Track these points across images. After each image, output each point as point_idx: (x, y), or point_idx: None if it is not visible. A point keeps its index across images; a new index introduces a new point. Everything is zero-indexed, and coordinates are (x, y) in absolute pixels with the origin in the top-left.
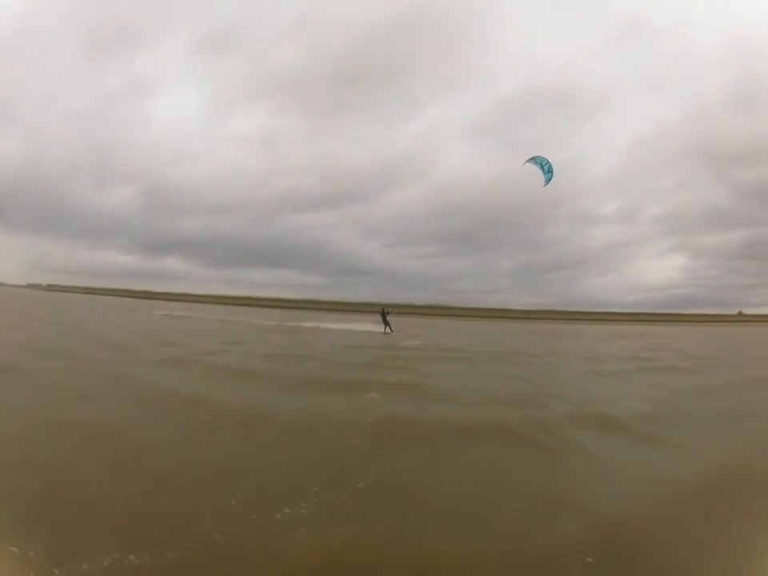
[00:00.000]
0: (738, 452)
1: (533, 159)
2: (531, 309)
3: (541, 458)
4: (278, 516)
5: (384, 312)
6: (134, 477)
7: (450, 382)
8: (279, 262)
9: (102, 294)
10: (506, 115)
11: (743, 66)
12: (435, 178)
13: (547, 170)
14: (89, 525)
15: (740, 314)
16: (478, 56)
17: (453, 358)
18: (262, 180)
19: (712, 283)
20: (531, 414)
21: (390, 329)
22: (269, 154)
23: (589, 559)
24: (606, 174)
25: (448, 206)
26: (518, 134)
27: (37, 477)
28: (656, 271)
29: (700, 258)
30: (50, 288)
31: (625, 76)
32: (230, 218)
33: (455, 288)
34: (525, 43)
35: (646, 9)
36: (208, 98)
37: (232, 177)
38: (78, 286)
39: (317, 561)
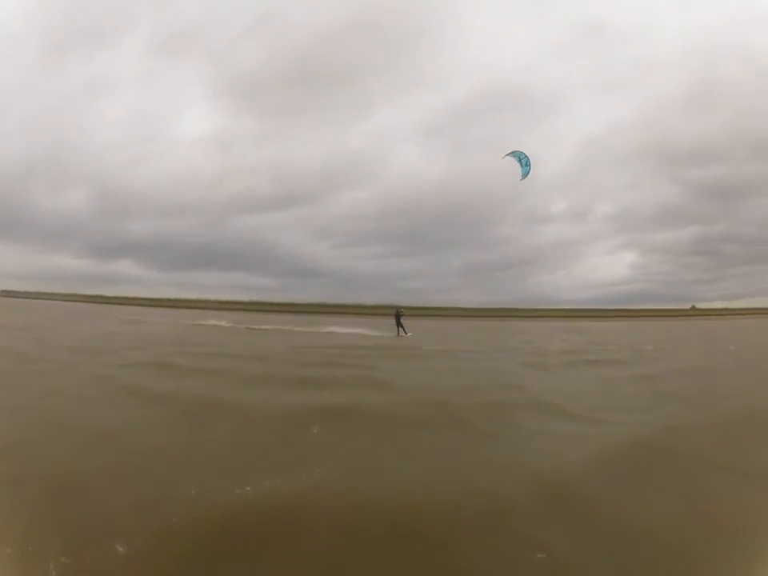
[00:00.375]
0: (658, 426)
1: (512, 153)
2: (482, 307)
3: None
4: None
5: (398, 314)
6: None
7: (400, 375)
8: (229, 264)
9: (55, 299)
10: (458, 116)
11: (701, 70)
12: (386, 178)
13: (525, 163)
14: None
15: (693, 308)
16: (433, 58)
17: (405, 356)
18: (214, 181)
19: (664, 279)
20: (477, 401)
21: (404, 331)
22: (222, 155)
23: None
24: (557, 173)
25: (398, 206)
26: (470, 135)
27: None
28: (607, 268)
29: (651, 254)
30: (5, 294)
31: (580, 79)
32: (182, 220)
33: (406, 287)
34: (481, 46)
35: (607, 14)
36: (163, 99)
37: (185, 178)
38: (32, 291)
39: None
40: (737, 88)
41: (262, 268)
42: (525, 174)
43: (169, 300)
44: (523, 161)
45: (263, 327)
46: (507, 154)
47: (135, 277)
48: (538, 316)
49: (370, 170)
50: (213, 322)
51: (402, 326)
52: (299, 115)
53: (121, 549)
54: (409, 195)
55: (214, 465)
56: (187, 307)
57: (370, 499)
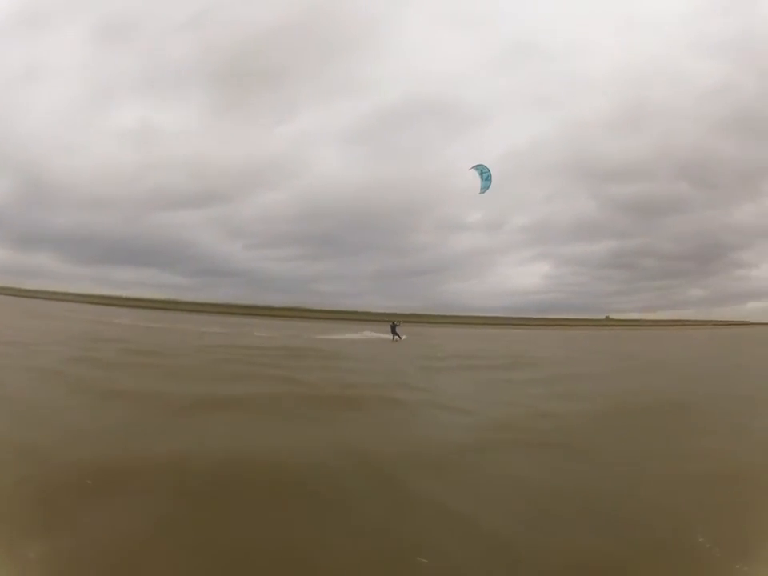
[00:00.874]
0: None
1: (476, 167)
2: (392, 312)
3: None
4: None
5: (394, 324)
6: None
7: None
8: (145, 260)
9: None
10: (383, 124)
11: (631, 91)
12: (305, 181)
13: (485, 177)
14: None
15: (607, 318)
16: (364, 64)
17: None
18: (136, 175)
19: (579, 290)
20: (371, 393)
21: (399, 337)
22: (145, 149)
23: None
24: (475, 184)
25: (315, 209)
26: (394, 142)
27: None
28: (520, 278)
29: (566, 265)
30: None
31: (508, 93)
32: (102, 213)
33: (317, 290)
34: (413, 55)
35: (542, 33)
36: (95, 89)
37: (108, 171)
38: None
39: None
40: (665, 110)
41: (176, 266)
42: (484, 188)
43: (83, 296)
44: (484, 174)
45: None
46: (472, 167)
47: (52, 270)
48: (449, 322)
49: (290, 172)
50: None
51: (398, 333)
52: (226, 113)
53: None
54: (327, 199)
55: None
56: (100, 303)
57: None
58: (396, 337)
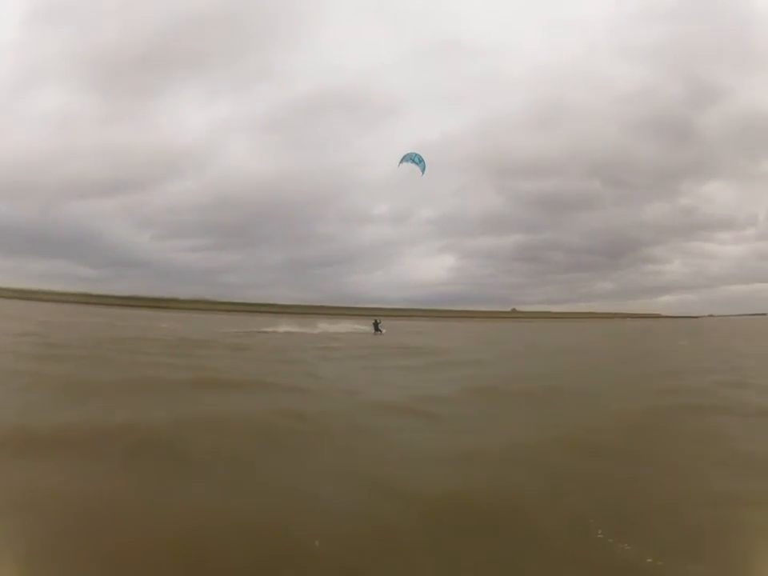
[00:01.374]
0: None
1: (405, 158)
2: (296, 304)
3: None
4: None
5: (376, 322)
6: None
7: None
8: (56, 251)
9: None
10: (296, 114)
11: (548, 92)
12: (215, 170)
13: (418, 160)
14: None
15: (513, 310)
16: (284, 54)
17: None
18: (53, 162)
19: (486, 282)
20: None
21: (381, 331)
22: (65, 135)
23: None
24: (383, 176)
25: (224, 199)
26: (306, 133)
27: None
28: (426, 269)
29: (472, 258)
30: None
31: (423, 89)
32: (20, 201)
33: (224, 282)
34: (331, 47)
35: (465, 31)
36: (19, 71)
37: (28, 157)
38: None
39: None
40: (581, 111)
41: (87, 257)
42: (423, 169)
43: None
44: (416, 159)
45: None
46: (402, 161)
47: None
48: (352, 315)
49: (202, 160)
50: None
51: (380, 329)
52: (145, 100)
53: None
54: (236, 188)
55: None
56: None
57: None
58: (378, 332)
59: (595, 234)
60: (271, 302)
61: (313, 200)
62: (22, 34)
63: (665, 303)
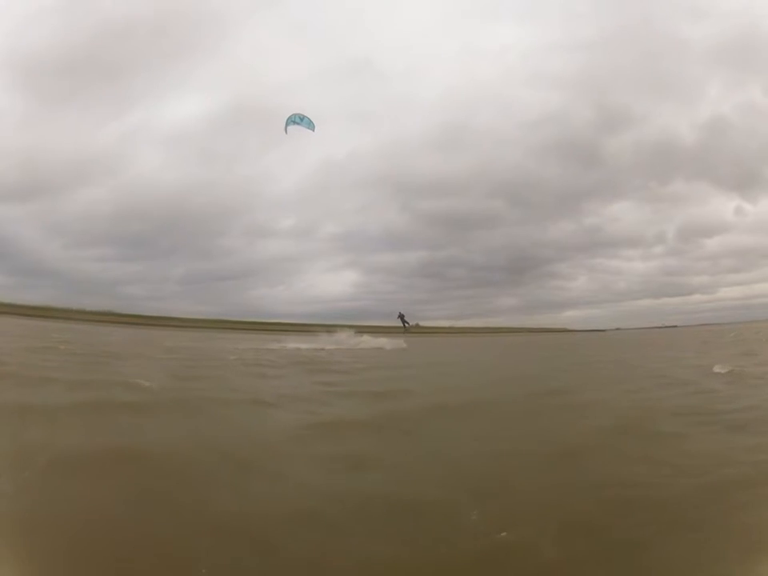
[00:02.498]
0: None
1: (288, 122)
2: (199, 317)
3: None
4: None
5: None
6: None
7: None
8: None
9: None
10: (208, 126)
11: (454, 115)
12: (125, 179)
13: (300, 119)
14: None
15: (417, 325)
16: (199, 66)
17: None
18: None
19: (389, 297)
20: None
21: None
22: None
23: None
24: (289, 191)
25: (130, 208)
26: (216, 145)
27: None
28: (328, 285)
29: (375, 274)
30: None
31: (331, 107)
32: None
33: (125, 293)
34: (248, 60)
35: (377, 52)
36: None
37: None
38: None
39: None
40: (487, 134)
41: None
42: (309, 125)
43: None
44: (296, 119)
45: None
46: (287, 125)
47: None
48: (257, 329)
49: (113, 168)
50: None
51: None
52: (65, 104)
53: None
54: (143, 199)
55: None
56: None
57: None
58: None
59: (498, 251)
60: (174, 315)
61: (218, 213)
62: None
63: (570, 318)
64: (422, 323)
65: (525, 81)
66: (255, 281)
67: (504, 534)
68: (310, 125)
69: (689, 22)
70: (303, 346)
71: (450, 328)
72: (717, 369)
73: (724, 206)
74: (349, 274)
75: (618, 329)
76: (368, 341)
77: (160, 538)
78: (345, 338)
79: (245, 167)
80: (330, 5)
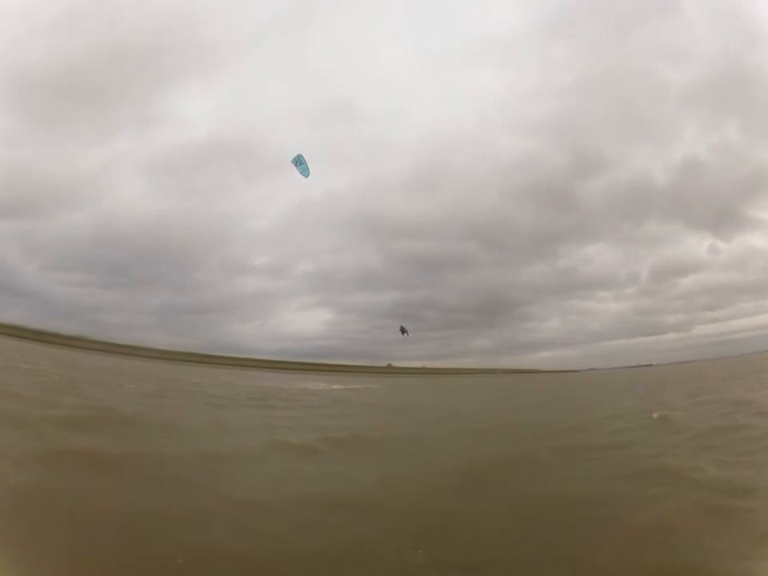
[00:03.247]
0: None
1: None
2: (174, 350)
3: None
4: None
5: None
6: None
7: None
8: None
9: None
10: (190, 159)
11: (432, 158)
12: (105, 206)
13: (300, 162)
14: None
15: (389, 366)
16: (187, 98)
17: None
18: None
19: (360, 337)
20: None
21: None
22: None
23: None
24: (266, 228)
25: (109, 235)
26: (196, 179)
27: None
28: (302, 323)
29: (348, 313)
30: None
31: (310, 147)
32: None
33: (101, 320)
34: (232, 98)
35: (358, 96)
36: None
37: None
38: None
39: None
40: (463, 178)
41: None
42: (305, 171)
43: None
44: (301, 158)
45: None
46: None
47: None
48: (230, 364)
49: (94, 194)
50: None
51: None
52: (53, 126)
53: None
54: (122, 227)
55: None
56: None
57: None
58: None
59: (471, 293)
60: (148, 345)
61: (195, 246)
62: None
63: (544, 358)
64: (394, 363)
65: (502, 126)
66: (229, 316)
67: None
68: (305, 171)
69: (667, 63)
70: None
71: (422, 368)
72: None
73: (698, 244)
74: (321, 313)
75: (592, 369)
76: None
77: None
78: None
79: (224, 202)
80: (314, 47)
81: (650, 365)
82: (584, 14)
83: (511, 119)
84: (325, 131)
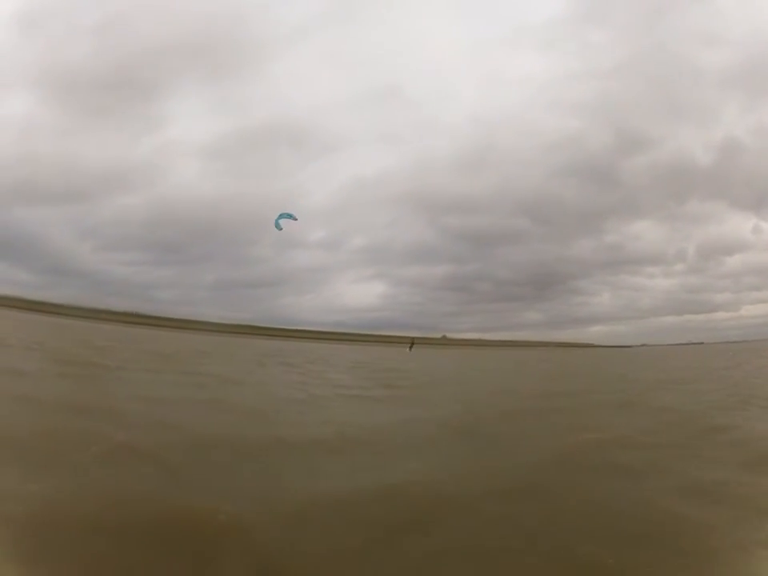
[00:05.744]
0: None
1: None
2: (228, 323)
3: None
4: None
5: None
6: None
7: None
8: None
9: None
10: (245, 143)
11: (478, 138)
12: (161, 189)
13: (287, 216)
14: None
15: (444, 337)
16: (239, 85)
17: None
18: (6, 167)
19: (416, 309)
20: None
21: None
22: (22, 142)
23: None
24: (321, 205)
25: (164, 216)
26: (251, 162)
27: None
28: (355, 295)
29: (402, 286)
30: None
31: (362, 128)
32: None
33: (156, 297)
34: (286, 83)
35: (407, 79)
36: None
37: None
38: None
39: None
40: (510, 156)
41: (23, 261)
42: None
43: None
44: (284, 216)
45: None
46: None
47: None
48: (286, 336)
49: (149, 178)
50: None
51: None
52: (102, 117)
53: None
54: (177, 208)
55: None
56: None
57: None
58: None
59: (523, 266)
60: (202, 319)
61: (250, 224)
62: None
63: (597, 333)
64: (449, 335)
65: (545, 106)
66: (284, 289)
67: None
68: (290, 217)
69: (702, 48)
70: None
71: (477, 340)
72: None
73: (742, 224)
74: (376, 285)
75: (644, 345)
76: None
77: None
78: None
79: (278, 182)
80: (362, 38)
81: (702, 342)
82: (619, 1)
83: (554, 100)
84: (376, 114)
